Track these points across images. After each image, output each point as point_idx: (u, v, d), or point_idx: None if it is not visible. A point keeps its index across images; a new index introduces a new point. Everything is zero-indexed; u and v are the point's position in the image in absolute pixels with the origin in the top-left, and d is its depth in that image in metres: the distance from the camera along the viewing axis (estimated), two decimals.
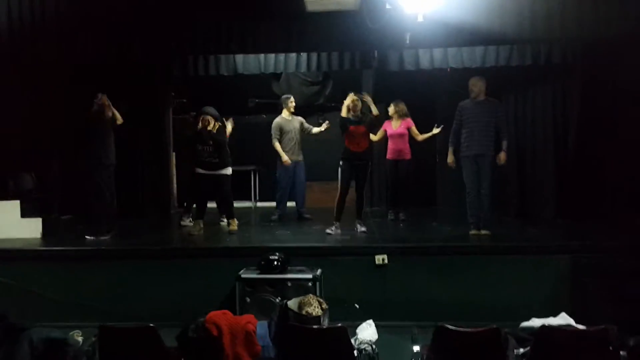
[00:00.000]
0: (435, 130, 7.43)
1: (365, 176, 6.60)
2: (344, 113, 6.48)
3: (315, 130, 7.73)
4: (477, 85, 6.20)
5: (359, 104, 6.49)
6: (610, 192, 6.95)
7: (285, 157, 7.62)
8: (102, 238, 6.36)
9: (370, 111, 6.49)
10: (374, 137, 7.21)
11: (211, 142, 6.55)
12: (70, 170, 7.69)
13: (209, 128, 6.52)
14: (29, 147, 7.37)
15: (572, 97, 7.31)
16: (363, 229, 6.51)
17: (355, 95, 6.52)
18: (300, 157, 7.77)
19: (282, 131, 7.68)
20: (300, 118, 7.83)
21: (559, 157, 7.46)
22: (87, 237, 6.39)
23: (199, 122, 6.63)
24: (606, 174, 6.97)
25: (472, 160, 6.17)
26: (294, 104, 7.77)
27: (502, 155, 6.17)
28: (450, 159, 6.42)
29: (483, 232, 6.14)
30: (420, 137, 7.49)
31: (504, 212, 7.75)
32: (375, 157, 8.29)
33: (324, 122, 7.88)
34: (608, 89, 6.92)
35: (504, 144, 6.18)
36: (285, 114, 7.76)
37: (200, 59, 7.66)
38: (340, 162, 6.56)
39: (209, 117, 6.54)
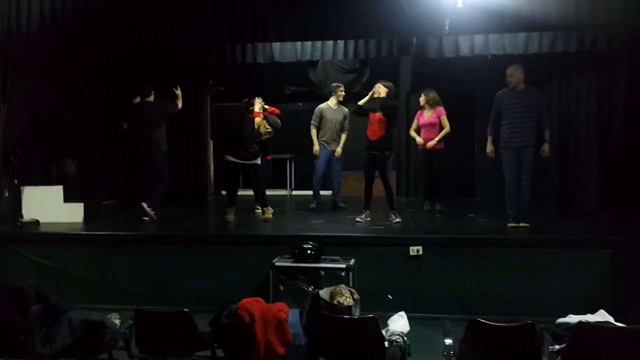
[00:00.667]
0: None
1: (383, 165, 6.51)
2: (362, 101, 6.50)
3: (344, 137, 7.70)
4: (515, 75, 6.04)
5: (379, 90, 6.44)
6: None
7: (316, 147, 7.63)
8: (153, 212, 6.77)
9: (396, 97, 6.43)
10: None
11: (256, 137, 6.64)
12: (112, 157, 7.90)
13: (261, 129, 6.68)
14: (72, 134, 7.57)
15: (617, 86, 7.04)
16: (397, 219, 6.46)
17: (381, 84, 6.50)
18: (336, 147, 7.71)
19: (322, 118, 7.65)
20: (346, 111, 7.73)
21: (603, 147, 7.21)
22: (143, 204, 6.78)
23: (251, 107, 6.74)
24: None
25: (513, 151, 6.02)
26: (343, 93, 7.72)
27: (546, 147, 6.03)
28: (489, 148, 6.30)
29: (522, 224, 6.00)
30: (446, 128, 7.32)
31: (544, 204, 7.59)
32: (409, 146, 8.21)
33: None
34: None
35: (547, 134, 6.02)
36: (332, 102, 7.71)
37: (237, 47, 7.68)
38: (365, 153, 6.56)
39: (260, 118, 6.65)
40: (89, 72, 7.52)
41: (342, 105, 7.79)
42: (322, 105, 7.71)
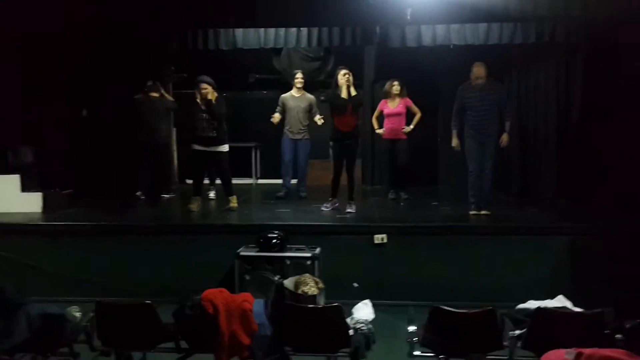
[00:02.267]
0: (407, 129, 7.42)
1: (354, 156, 6.53)
2: (343, 93, 6.25)
3: (317, 118, 7.37)
4: (482, 74, 6.08)
5: (351, 79, 6.35)
6: (610, 171, 6.89)
7: (275, 119, 7.48)
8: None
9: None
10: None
11: (209, 113, 6.44)
12: (71, 145, 7.70)
13: (208, 97, 6.40)
14: (28, 121, 7.34)
15: (574, 76, 7.25)
16: (350, 210, 6.42)
17: (344, 69, 6.34)
18: (302, 136, 7.63)
19: (285, 107, 7.59)
20: (311, 97, 7.62)
21: (561, 136, 7.43)
22: (163, 195, 7.82)
23: (196, 93, 6.53)
24: (607, 154, 6.91)
25: (476, 141, 6.12)
26: (298, 79, 7.59)
27: (505, 137, 6.14)
28: (454, 142, 6.35)
29: (483, 212, 6.13)
30: (418, 114, 7.41)
31: (504, 191, 7.75)
32: (374, 135, 8.25)
33: (326, 98, 7.75)
34: (611, 68, 6.81)
35: (507, 125, 6.14)
36: (294, 90, 7.64)
37: (199, 33, 7.56)
38: (331, 143, 6.54)
39: (206, 85, 6.43)
40: (47, 57, 7.28)
41: (306, 92, 7.72)
42: (284, 95, 7.64)
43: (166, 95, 7.87)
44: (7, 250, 5.71)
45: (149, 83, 7.59)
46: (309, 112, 7.58)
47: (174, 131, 9.35)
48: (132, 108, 7.65)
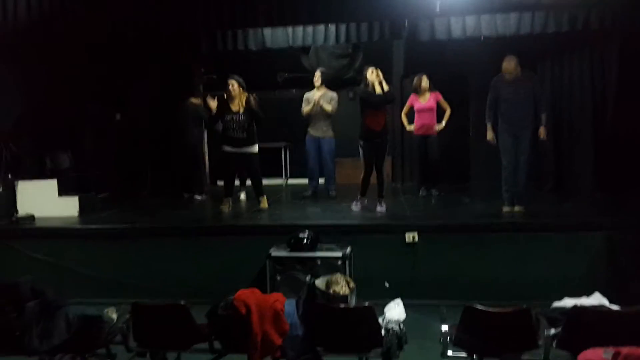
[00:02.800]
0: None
1: (384, 154, 6.48)
2: (377, 89, 6.21)
3: (326, 106, 7.41)
4: (513, 69, 5.93)
5: (381, 75, 6.30)
6: None
7: (306, 109, 7.52)
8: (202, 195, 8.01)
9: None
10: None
11: (241, 112, 6.49)
12: (106, 149, 7.88)
13: (234, 95, 6.47)
14: (65, 126, 7.51)
15: (610, 65, 7.02)
16: (381, 208, 6.38)
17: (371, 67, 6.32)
18: (324, 134, 7.59)
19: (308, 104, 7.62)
20: (332, 94, 7.56)
21: (597, 128, 7.21)
22: (196, 197, 7.95)
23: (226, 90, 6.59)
24: None
25: (510, 134, 5.99)
26: (316, 77, 7.58)
27: (542, 130, 5.99)
28: (490, 135, 6.20)
29: (517, 208, 6.01)
30: (448, 110, 7.33)
31: (539, 186, 7.59)
32: (404, 132, 8.17)
33: (354, 96, 7.73)
34: None
35: (544, 118, 5.97)
36: (315, 88, 7.66)
37: (228, 33, 7.61)
38: (361, 142, 6.44)
39: (234, 82, 6.49)
40: (81, 63, 7.45)
41: (331, 89, 7.71)
42: (308, 93, 7.67)
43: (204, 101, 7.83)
44: (46, 253, 5.87)
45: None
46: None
47: (204, 133, 9.48)
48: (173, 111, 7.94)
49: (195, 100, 7.99)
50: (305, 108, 7.50)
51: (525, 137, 5.96)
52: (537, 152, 7.04)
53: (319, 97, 7.37)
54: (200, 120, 8.08)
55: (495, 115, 6.14)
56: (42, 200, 6.69)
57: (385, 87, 6.23)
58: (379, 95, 6.21)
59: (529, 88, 5.95)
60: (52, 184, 6.84)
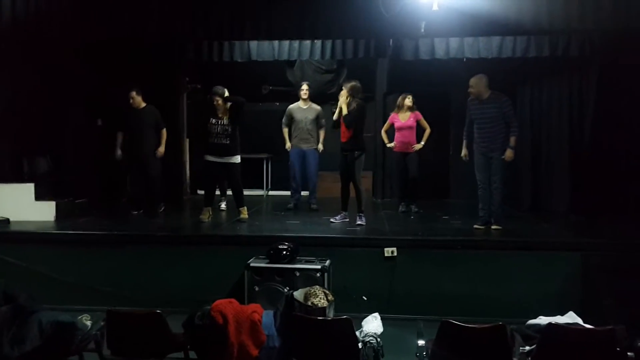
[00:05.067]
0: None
1: (352, 167, 6.42)
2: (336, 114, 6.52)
3: (322, 133, 7.73)
4: (475, 87, 6.06)
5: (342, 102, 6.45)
6: (625, 188, 6.84)
7: (287, 144, 7.70)
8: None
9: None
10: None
11: (225, 118, 6.51)
12: (86, 154, 7.78)
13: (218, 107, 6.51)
14: (44, 130, 7.42)
15: (588, 91, 7.20)
16: (360, 222, 6.40)
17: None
18: (310, 146, 7.71)
19: (292, 119, 7.68)
20: (317, 108, 7.78)
21: (574, 151, 7.36)
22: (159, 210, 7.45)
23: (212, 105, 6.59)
24: (622, 170, 6.86)
25: (482, 154, 6.11)
26: (304, 91, 7.72)
27: (509, 153, 5.98)
28: (463, 152, 6.41)
29: (494, 227, 6.09)
30: (428, 129, 7.45)
31: (516, 206, 7.70)
32: (385, 148, 8.25)
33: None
34: (625, 83, 6.78)
35: (512, 140, 5.98)
36: (300, 101, 7.74)
37: (214, 44, 7.65)
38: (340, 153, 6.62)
39: (218, 98, 6.49)
40: (63, 68, 7.38)
41: (315, 103, 7.82)
42: (292, 106, 7.78)
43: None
44: (20, 258, 5.76)
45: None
46: (317, 122, 7.66)
47: (186, 142, 9.45)
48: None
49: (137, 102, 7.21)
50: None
51: (496, 158, 6.04)
52: (514, 173, 7.16)
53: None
54: (157, 128, 7.27)
55: (471, 134, 6.25)
56: (18, 204, 6.60)
57: (344, 111, 6.36)
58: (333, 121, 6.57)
59: (498, 110, 5.99)
60: (29, 188, 6.74)
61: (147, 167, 7.22)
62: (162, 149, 7.25)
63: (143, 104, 7.27)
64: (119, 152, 7.28)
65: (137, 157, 7.23)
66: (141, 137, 7.18)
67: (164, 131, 7.31)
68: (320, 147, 7.73)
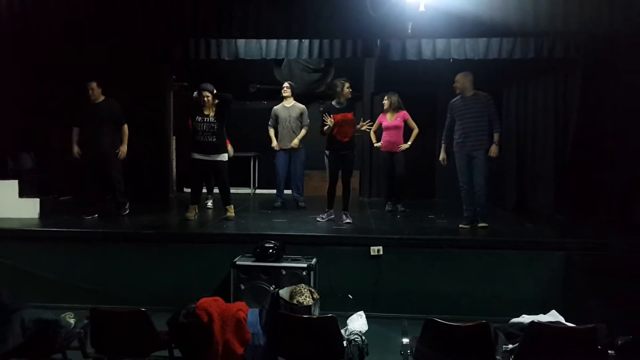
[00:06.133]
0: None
1: (351, 166, 6.55)
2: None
3: (303, 131, 7.70)
4: (460, 82, 6.18)
5: (350, 89, 6.46)
6: (608, 189, 6.92)
7: (273, 143, 7.71)
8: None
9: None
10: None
11: (212, 115, 6.47)
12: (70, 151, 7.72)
13: (207, 105, 6.46)
14: (29, 126, 7.35)
15: (573, 92, 7.27)
16: (348, 220, 6.46)
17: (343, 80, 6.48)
18: (294, 145, 7.72)
19: (277, 118, 7.69)
20: (301, 107, 7.78)
21: (559, 152, 7.43)
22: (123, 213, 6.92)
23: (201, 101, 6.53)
24: (606, 170, 6.94)
25: (465, 155, 6.16)
26: (284, 89, 7.76)
27: (494, 148, 6.11)
28: (441, 156, 6.44)
29: (481, 224, 6.14)
30: (415, 129, 7.47)
31: (501, 205, 7.77)
32: (372, 147, 8.28)
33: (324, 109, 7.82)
34: (610, 84, 6.87)
35: (496, 136, 6.12)
36: (284, 101, 7.75)
37: (201, 42, 7.63)
38: (327, 152, 6.56)
39: (208, 93, 6.43)
40: (48, 64, 7.32)
41: (301, 102, 7.83)
42: (276, 106, 7.80)
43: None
44: (3, 255, 5.71)
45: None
46: (300, 120, 7.66)
47: (173, 139, 9.40)
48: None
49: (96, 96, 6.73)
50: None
51: (479, 158, 6.10)
52: (499, 173, 7.21)
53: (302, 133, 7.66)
54: (117, 123, 6.80)
55: (450, 138, 6.32)
56: (2, 201, 6.54)
57: (325, 129, 6.37)
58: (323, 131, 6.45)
59: (482, 107, 6.11)
60: (12, 185, 6.69)
61: (106, 166, 6.72)
62: (124, 148, 6.75)
63: (102, 98, 6.76)
64: (76, 148, 6.72)
65: (94, 156, 6.70)
66: (98, 134, 6.64)
67: (126, 127, 6.77)
68: (296, 142, 7.62)
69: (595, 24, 6.31)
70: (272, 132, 7.78)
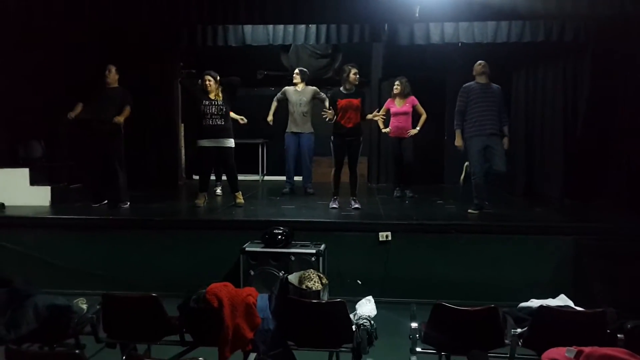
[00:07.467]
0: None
1: (357, 152, 6.49)
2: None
3: (327, 103, 7.52)
4: (486, 68, 6.17)
5: (357, 75, 6.42)
6: (617, 173, 6.87)
7: (270, 117, 7.71)
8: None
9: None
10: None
11: (219, 99, 6.47)
12: (80, 140, 7.75)
13: (210, 90, 6.46)
14: (39, 115, 7.39)
15: (582, 76, 7.20)
16: (356, 205, 6.46)
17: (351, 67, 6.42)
18: (304, 129, 7.71)
19: (286, 99, 7.67)
20: (312, 88, 7.74)
21: (568, 136, 7.38)
22: (122, 206, 6.65)
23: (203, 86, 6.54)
24: (615, 155, 6.89)
25: (482, 140, 6.09)
26: (295, 75, 7.75)
27: (506, 141, 6.16)
28: (458, 141, 6.29)
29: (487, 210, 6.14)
30: (424, 115, 7.42)
31: (510, 190, 7.74)
32: (380, 132, 8.25)
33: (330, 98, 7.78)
34: (619, 69, 6.78)
35: (505, 129, 6.16)
36: (296, 85, 7.73)
37: (208, 28, 7.61)
38: (332, 138, 6.51)
39: (210, 77, 6.44)
40: (58, 52, 7.34)
41: (309, 85, 7.81)
42: (288, 87, 7.77)
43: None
44: (15, 243, 5.79)
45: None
46: (313, 103, 7.65)
47: (181, 126, 9.42)
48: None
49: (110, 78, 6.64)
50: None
51: (496, 143, 6.08)
52: (508, 157, 7.17)
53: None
54: (121, 108, 6.60)
55: (463, 122, 6.25)
56: (13, 189, 6.61)
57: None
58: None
59: (497, 96, 6.14)
60: (24, 173, 6.75)
61: (108, 149, 6.62)
62: (120, 118, 6.50)
63: (116, 84, 6.68)
64: (71, 114, 6.52)
65: (98, 136, 6.59)
66: (103, 117, 6.52)
67: (129, 108, 6.58)
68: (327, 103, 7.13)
69: (605, 7, 6.24)
70: (274, 105, 7.74)
